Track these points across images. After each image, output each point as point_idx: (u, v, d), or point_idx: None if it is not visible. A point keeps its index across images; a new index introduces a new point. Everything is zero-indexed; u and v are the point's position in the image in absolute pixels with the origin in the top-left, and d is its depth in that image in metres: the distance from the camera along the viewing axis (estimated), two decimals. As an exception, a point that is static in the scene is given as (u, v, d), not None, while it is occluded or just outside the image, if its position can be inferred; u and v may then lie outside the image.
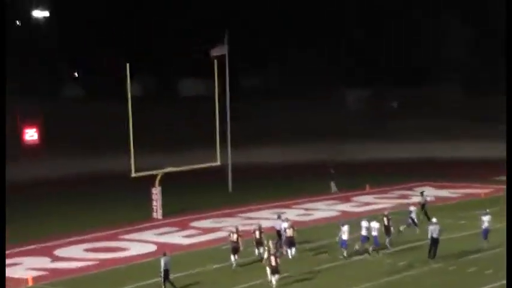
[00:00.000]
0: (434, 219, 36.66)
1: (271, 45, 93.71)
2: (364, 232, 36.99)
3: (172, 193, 51.17)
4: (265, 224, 39.76)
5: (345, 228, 36.25)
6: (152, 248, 40.03)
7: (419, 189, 50.35)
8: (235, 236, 35.67)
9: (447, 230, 38.31)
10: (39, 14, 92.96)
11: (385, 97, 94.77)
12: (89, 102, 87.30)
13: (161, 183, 48.47)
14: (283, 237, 37.42)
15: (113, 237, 43.23)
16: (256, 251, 36.04)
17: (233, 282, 32.90)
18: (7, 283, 30.86)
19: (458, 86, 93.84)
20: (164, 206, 48.63)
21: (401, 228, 41.00)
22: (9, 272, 33.90)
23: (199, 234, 43.40)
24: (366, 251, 36.90)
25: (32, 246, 41.41)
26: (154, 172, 48.41)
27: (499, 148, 54.58)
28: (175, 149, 68.52)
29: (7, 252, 39.78)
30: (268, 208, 50.19)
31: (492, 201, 47.76)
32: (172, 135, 75.59)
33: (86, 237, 43.33)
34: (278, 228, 38.21)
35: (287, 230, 37.11)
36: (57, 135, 73.65)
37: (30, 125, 73.91)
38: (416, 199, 46.98)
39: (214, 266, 35.70)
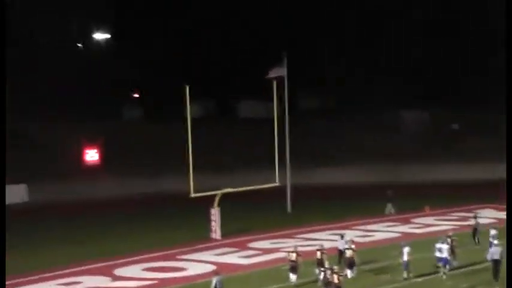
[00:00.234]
0: (496, 241, 36.17)
1: (329, 65, 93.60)
2: (438, 253, 36.66)
3: (231, 213, 51.09)
4: (325, 245, 39.52)
5: (406, 249, 36.02)
6: (210, 268, 39.93)
7: (480, 212, 49.65)
8: (294, 256, 35.61)
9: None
10: (100, 36, 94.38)
11: (444, 118, 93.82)
12: (148, 123, 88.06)
13: (220, 203, 48.54)
14: (344, 258, 37.25)
15: (171, 257, 43.32)
16: (317, 271, 35.85)
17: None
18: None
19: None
20: (223, 226, 48.62)
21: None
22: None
23: (258, 255, 43.27)
24: (438, 272, 36.47)
25: (91, 266, 41.68)
26: (213, 193, 48.49)
27: None
28: (234, 170, 68.65)
29: (67, 271, 40.34)
30: (326, 229, 49.82)
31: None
32: (231, 156, 75.77)
33: (144, 256, 43.53)
34: (340, 248, 38.09)
35: (346, 251, 36.93)
36: (117, 156, 74.38)
37: (91, 146, 74.84)
38: (475, 221, 46.26)
39: (274, 286, 35.54)
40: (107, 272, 40.03)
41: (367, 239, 46.96)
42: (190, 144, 45.91)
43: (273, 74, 54.58)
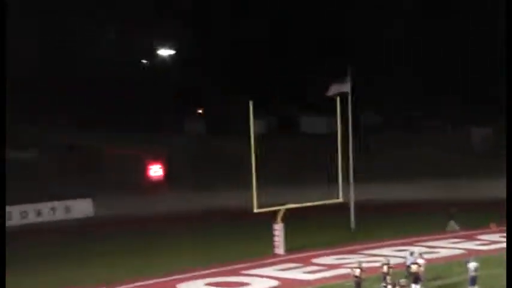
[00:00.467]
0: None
1: (393, 79, 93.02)
2: None
3: (294, 229, 50.99)
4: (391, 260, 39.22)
5: (472, 265, 35.61)
6: (274, 283, 40.00)
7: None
8: (358, 271, 35.48)
9: None
10: (164, 52, 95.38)
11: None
12: (211, 138, 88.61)
13: (283, 219, 48.51)
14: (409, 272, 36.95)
15: (235, 272, 43.35)
16: (383, 284, 35.58)
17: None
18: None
19: None
20: (286, 241, 48.59)
21: None
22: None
23: (322, 270, 43.04)
24: None
25: (154, 280, 41.94)
26: (276, 208, 48.52)
27: None
28: (298, 186, 68.56)
29: (131, 285, 40.68)
30: (390, 246, 49.45)
31: None
32: (295, 172, 75.74)
33: (207, 271, 43.61)
34: (408, 264, 37.85)
35: (412, 265, 36.63)
36: (181, 171, 74.96)
37: (155, 161, 75.61)
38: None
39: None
40: (169, 287, 40.21)
41: (432, 256, 46.43)
42: (253, 159, 46.08)
43: (336, 89, 54.40)
